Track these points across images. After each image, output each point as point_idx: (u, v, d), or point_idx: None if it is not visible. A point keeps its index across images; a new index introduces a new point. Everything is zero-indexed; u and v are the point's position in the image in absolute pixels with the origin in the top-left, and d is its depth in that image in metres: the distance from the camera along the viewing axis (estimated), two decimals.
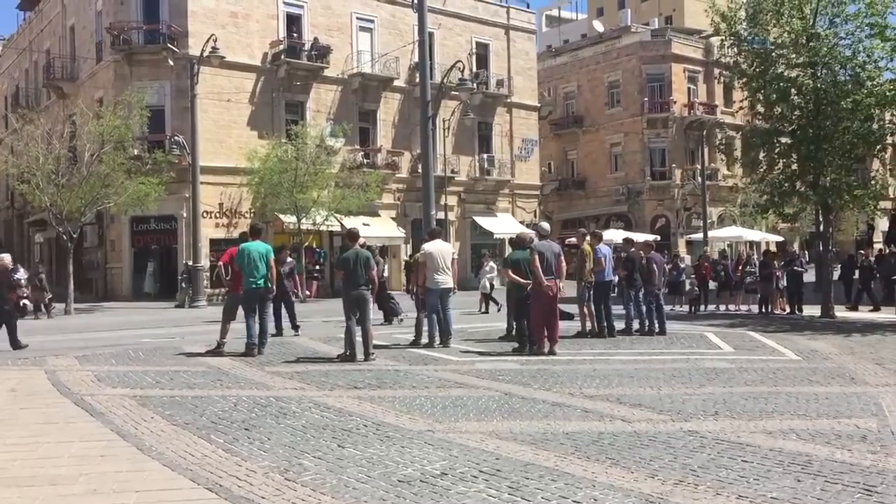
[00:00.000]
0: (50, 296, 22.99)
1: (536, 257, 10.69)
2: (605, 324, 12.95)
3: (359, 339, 10.47)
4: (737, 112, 22.50)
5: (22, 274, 23.50)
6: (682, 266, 20.45)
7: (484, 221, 36.66)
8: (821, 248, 19.31)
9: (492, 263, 21.42)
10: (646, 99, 44.59)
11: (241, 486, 4.77)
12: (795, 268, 18.47)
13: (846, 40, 16.50)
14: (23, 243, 41.45)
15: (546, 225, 12.56)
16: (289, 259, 14.77)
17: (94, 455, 5.58)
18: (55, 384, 8.68)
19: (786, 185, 17.65)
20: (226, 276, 11.64)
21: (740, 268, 20.77)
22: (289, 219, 28.55)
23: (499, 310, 18.26)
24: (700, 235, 38.66)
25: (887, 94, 15.82)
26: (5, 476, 5.08)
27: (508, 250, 12.63)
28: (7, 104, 43.59)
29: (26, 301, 22.63)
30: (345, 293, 10.59)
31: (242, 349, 10.95)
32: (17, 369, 10.06)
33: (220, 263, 11.89)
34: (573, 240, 15.79)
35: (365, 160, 32.82)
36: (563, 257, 11.28)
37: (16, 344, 12.54)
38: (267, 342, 11.31)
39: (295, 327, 13.99)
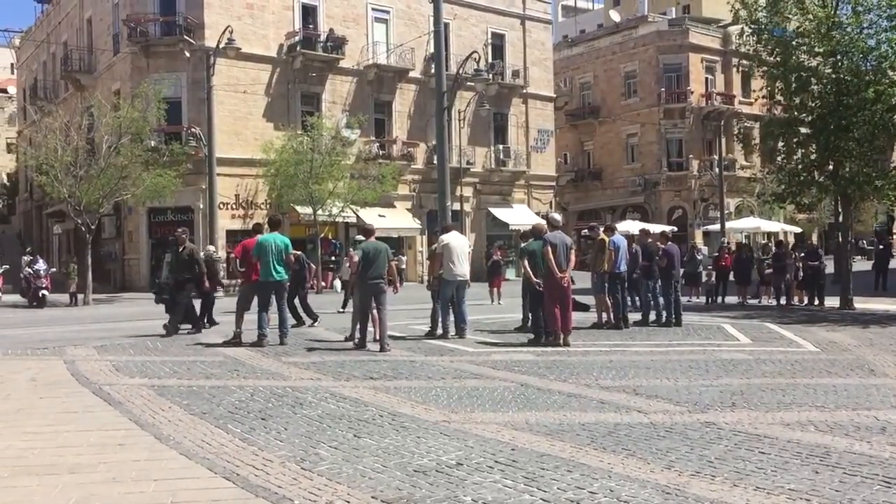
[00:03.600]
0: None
1: (549, 249, 10.68)
2: (621, 315, 12.92)
3: (371, 328, 10.73)
4: (755, 102, 22.28)
5: (41, 265, 23.82)
6: (700, 257, 20.25)
7: (499, 213, 36.58)
8: (840, 239, 19.10)
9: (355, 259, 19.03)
10: (663, 89, 44.24)
11: (257, 475, 4.80)
12: (810, 262, 18.18)
13: (869, 30, 16.27)
14: (42, 234, 41.86)
15: (558, 216, 12.53)
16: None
17: (112, 444, 5.63)
18: (74, 374, 8.77)
19: (804, 174, 17.47)
20: (240, 269, 11.76)
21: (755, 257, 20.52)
22: (304, 210, 28.63)
23: (343, 311, 16.53)
24: (717, 226, 38.37)
25: None
26: (25, 464, 5.14)
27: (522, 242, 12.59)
28: (25, 96, 43.98)
29: (45, 291, 22.99)
30: (362, 284, 10.72)
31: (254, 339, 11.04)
32: (36, 359, 10.18)
33: (234, 256, 12.05)
34: (587, 231, 15.72)
35: (380, 151, 32.83)
36: (573, 249, 11.27)
37: (210, 321, 13.80)
38: (288, 332, 11.38)
39: (313, 317, 14.23)
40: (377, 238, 11.40)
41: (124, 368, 9.13)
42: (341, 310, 16.88)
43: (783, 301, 18.57)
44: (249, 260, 11.37)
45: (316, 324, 14.03)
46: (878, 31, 16.13)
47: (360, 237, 12.56)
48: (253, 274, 11.33)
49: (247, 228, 25.78)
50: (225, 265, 26.49)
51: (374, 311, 10.76)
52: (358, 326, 11.02)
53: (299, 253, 14.56)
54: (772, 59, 17.35)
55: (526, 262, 11.24)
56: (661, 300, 13.70)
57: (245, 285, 11.74)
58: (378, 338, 10.58)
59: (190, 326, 13.05)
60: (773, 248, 19.99)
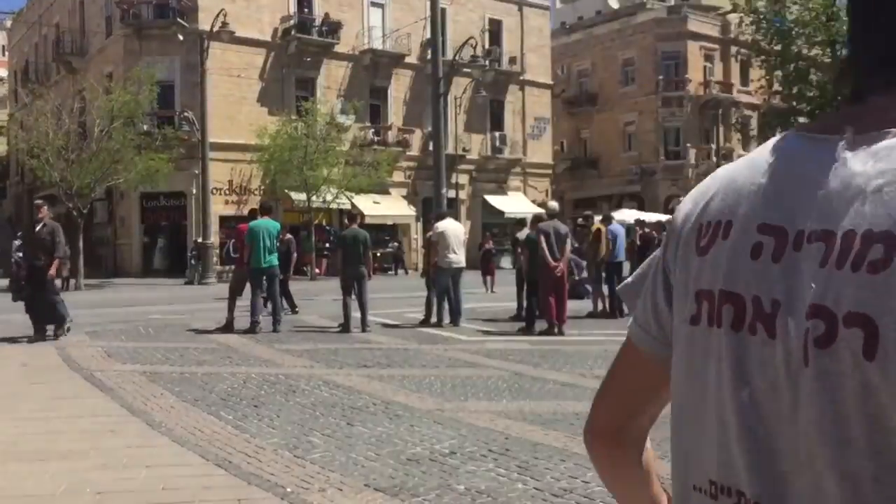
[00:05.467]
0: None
1: (543, 238, 10.65)
2: (617, 304, 12.91)
3: (356, 314, 11.11)
4: (754, 91, 22.26)
5: None
6: None
7: (495, 200, 36.54)
8: None
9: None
10: (661, 77, 44.11)
11: (249, 462, 4.77)
12: None
13: None
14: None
15: (555, 204, 12.50)
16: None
17: (104, 430, 5.60)
18: (65, 360, 8.73)
19: None
20: (234, 254, 11.76)
21: None
22: (299, 196, 28.54)
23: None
24: None
25: None
26: (16, 450, 5.10)
27: (526, 230, 12.46)
28: (17, 79, 43.64)
29: None
30: (343, 270, 11.27)
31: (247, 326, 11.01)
32: (27, 344, 10.11)
33: (234, 242, 12.02)
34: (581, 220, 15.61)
35: (376, 138, 32.72)
36: (569, 238, 11.25)
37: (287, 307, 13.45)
38: (281, 320, 11.35)
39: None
40: (371, 225, 11.46)
41: (116, 354, 9.09)
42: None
43: None
44: (242, 246, 11.33)
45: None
46: None
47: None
48: (245, 260, 11.30)
49: (240, 214, 25.70)
50: (217, 251, 26.49)
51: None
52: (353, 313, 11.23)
53: (290, 237, 14.52)
54: (770, 47, 17.33)
55: (526, 251, 11.24)
56: None
57: (237, 271, 11.70)
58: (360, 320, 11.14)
59: (53, 327, 10.43)
60: None
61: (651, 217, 26.21)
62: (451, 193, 29.87)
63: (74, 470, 4.64)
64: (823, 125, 0.75)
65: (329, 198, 28.37)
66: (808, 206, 0.70)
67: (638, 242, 13.99)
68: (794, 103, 17.29)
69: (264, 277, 11.19)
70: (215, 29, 25.35)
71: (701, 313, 0.76)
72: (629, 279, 0.98)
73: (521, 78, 38.16)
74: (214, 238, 26.77)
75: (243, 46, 29.62)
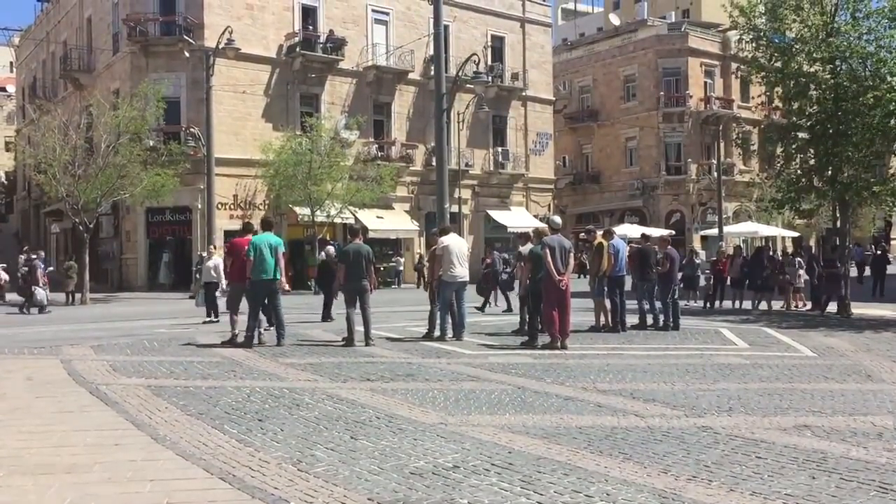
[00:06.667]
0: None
1: (548, 251, 10.70)
2: (619, 318, 12.93)
3: (360, 328, 11.11)
4: (754, 107, 22.32)
5: (39, 264, 23.74)
6: (698, 262, 20.25)
7: (498, 215, 36.61)
8: (837, 244, 19.10)
9: (216, 258, 16.39)
10: (662, 93, 44.32)
11: (254, 476, 4.79)
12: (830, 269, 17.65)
13: (868, 35, 16.31)
14: (39, 233, 41.81)
15: (558, 219, 12.56)
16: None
17: (108, 444, 5.62)
18: (71, 373, 8.76)
19: (803, 180, 17.50)
20: (228, 268, 11.84)
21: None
22: (303, 211, 28.64)
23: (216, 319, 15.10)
24: (715, 231, 38.42)
25: None
26: (21, 463, 5.12)
27: (529, 245, 12.50)
28: (24, 95, 43.98)
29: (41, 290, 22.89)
30: (346, 284, 11.34)
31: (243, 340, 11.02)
32: (32, 358, 10.16)
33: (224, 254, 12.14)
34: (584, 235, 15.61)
35: (379, 153, 32.87)
36: (573, 252, 11.29)
37: (327, 317, 14.89)
38: (285, 333, 11.36)
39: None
40: (374, 240, 11.51)
41: (121, 368, 9.12)
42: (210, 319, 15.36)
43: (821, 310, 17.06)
44: (238, 259, 11.31)
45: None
46: (879, 35, 16.17)
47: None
48: (240, 273, 11.29)
49: None
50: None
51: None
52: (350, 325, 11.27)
53: (330, 249, 14.99)
54: (770, 64, 17.39)
55: (528, 266, 11.28)
56: (658, 304, 13.70)
57: (234, 285, 11.64)
58: (364, 334, 11.16)
59: None
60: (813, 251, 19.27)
61: (654, 231, 26.20)
62: (454, 208, 29.94)
63: (79, 483, 4.66)
64: None
65: (333, 212, 28.47)
66: None
67: (628, 254, 13.84)
68: (795, 119, 17.33)
69: (266, 290, 11.15)
70: (221, 46, 25.57)
71: None
72: None
73: (524, 94, 38.34)
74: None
75: (248, 63, 29.85)
